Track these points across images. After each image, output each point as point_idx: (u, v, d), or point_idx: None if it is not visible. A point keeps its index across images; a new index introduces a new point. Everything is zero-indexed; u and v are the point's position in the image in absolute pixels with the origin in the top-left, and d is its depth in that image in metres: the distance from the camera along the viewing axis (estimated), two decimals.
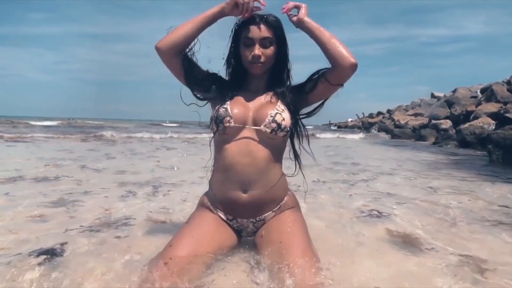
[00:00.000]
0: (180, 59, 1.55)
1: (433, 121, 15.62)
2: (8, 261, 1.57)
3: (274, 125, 1.51)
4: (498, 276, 1.56)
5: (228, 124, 1.52)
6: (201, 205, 1.71)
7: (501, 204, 2.96)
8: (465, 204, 2.98)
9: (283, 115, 1.53)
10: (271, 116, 1.51)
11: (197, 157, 5.78)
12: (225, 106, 1.54)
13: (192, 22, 1.51)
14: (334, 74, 1.50)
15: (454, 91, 17.32)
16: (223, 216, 1.64)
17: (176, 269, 1.34)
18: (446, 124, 14.71)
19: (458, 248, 1.89)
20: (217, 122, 1.53)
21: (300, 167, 1.69)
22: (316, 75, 1.56)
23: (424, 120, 16.96)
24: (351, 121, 32.05)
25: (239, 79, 1.64)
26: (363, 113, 30.12)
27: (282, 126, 1.52)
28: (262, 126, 1.52)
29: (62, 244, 1.79)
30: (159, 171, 4.49)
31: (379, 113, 25.00)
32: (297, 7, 1.56)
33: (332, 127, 34.87)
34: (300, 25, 1.54)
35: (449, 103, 15.81)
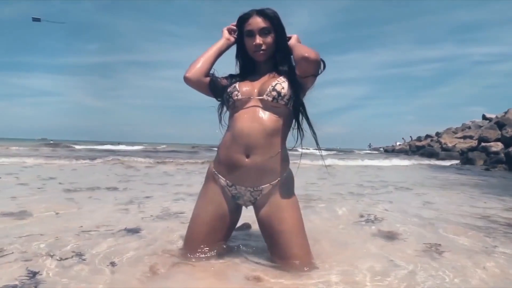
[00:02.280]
0: (206, 82, 1.80)
1: (483, 144, 15.14)
2: (107, 233, 2.30)
3: (274, 93, 1.68)
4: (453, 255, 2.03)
5: (236, 97, 1.72)
6: (208, 175, 1.85)
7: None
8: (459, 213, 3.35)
9: (283, 85, 1.70)
10: (272, 86, 1.69)
11: None
12: (234, 85, 1.76)
13: (209, 53, 1.81)
14: (297, 69, 1.68)
15: (506, 112, 16.69)
16: (223, 182, 1.77)
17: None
18: (497, 146, 14.18)
19: (429, 241, 2.33)
20: (227, 97, 1.76)
21: (301, 140, 1.77)
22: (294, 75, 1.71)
23: (473, 143, 16.45)
24: (399, 144, 31.35)
25: (248, 69, 1.85)
26: (410, 136, 29.47)
27: (282, 94, 1.68)
28: (264, 96, 1.69)
29: (140, 225, 2.51)
30: None
31: (427, 136, 24.36)
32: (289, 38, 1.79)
33: (379, 150, 34.21)
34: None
35: (500, 124, 15.27)
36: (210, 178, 1.83)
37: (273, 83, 1.70)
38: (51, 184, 4.81)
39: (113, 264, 1.74)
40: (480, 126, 19.42)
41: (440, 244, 2.22)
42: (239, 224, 2.12)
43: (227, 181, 1.76)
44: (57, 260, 1.77)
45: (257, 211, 1.80)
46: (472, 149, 15.75)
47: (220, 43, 1.84)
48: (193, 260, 1.76)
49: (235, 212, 1.85)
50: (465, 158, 14.83)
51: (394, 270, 1.76)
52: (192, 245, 1.81)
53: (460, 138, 18.68)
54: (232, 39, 1.85)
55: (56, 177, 5.60)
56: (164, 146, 31.21)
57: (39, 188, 4.31)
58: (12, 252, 1.85)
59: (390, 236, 2.43)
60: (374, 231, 2.58)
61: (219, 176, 1.78)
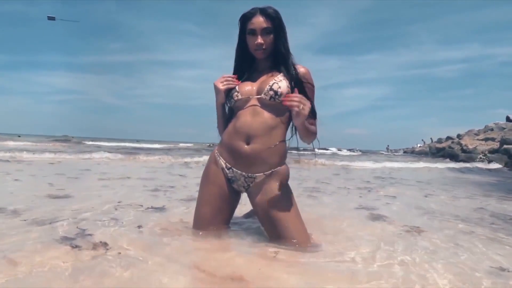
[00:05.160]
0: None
1: (505, 146, 14.96)
2: (137, 209, 2.77)
3: (271, 92, 1.77)
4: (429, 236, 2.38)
5: (236, 97, 1.84)
6: (211, 157, 1.98)
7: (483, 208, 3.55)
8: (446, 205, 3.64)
9: (280, 84, 1.77)
10: (269, 86, 1.78)
11: None
12: (235, 87, 1.87)
13: (218, 113, 1.96)
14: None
15: None
16: (223, 164, 1.89)
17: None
18: None
19: (410, 223, 2.67)
20: (229, 99, 1.88)
21: (296, 135, 1.90)
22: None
23: (495, 145, 16.24)
24: (419, 146, 31.02)
25: (248, 64, 1.92)
26: (431, 138, 29.11)
27: (279, 93, 1.76)
28: (262, 95, 1.79)
29: (164, 206, 2.96)
30: None
31: (448, 138, 24.00)
32: (302, 103, 1.66)
33: (398, 152, 33.87)
34: (294, 116, 1.72)
35: None
36: (212, 160, 1.95)
37: (271, 83, 1.79)
38: (86, 174, 5.37)
39: (139, 227, 2.22)
40: (504, 128, 19.10)
41: (419, 227, 2.54)
42: (247, 211, 2.47)
43: (226, 163, 1.88)
44: (100, 221, 2.27)
45: (251, 199, 1.91)
46: (493, 151, 15.59)
47: (220, 101, 1.92)
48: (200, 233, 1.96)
49: (235, 194, 1.95)
50: (486, 160, 14.70)
51: (381, 249, 2.04)
52: (200, 226, 1.95)
53: (482, 140, 18.41)
54: (223, 93, 1.89)
55: (89, 169, 6.18)
56: (190, 144, 32.17)
57: (76, 178, 4.86)
58: (68, 219, 2.33)
59: (379, 219, 2.79)
60: (368, 215, 2.94)
61: (220, 157, 1.91)
